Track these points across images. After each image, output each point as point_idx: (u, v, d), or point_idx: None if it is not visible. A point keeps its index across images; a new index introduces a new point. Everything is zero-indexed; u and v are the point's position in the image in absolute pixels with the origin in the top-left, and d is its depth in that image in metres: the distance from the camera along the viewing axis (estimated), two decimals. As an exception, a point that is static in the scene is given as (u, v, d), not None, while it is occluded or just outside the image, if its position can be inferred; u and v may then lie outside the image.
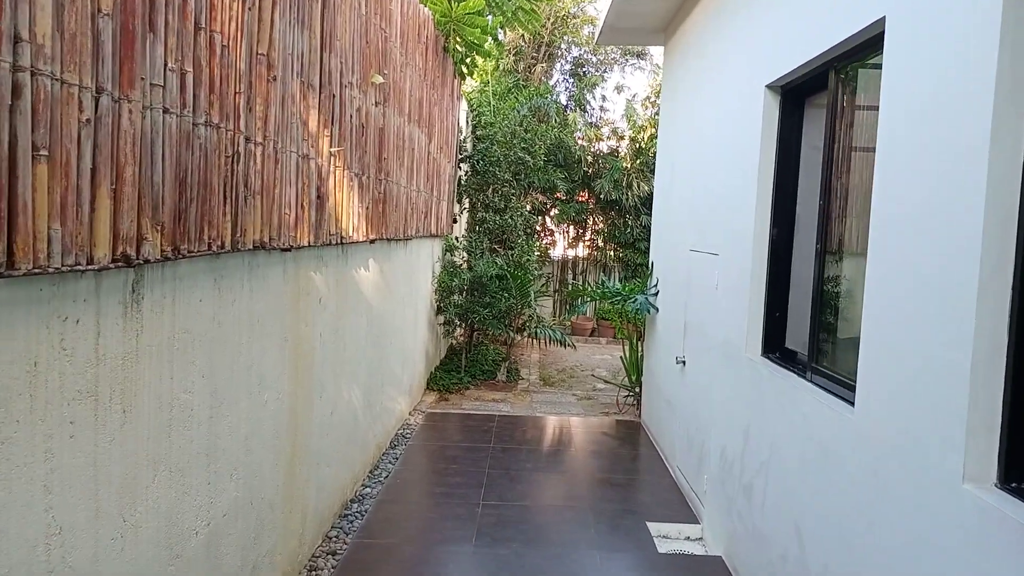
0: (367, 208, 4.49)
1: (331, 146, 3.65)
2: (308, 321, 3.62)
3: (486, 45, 6.91)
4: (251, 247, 2.71)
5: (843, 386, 2.81)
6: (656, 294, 6.48)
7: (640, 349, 7.34)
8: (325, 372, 3.96)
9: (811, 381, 3.12)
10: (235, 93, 2.47)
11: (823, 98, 3.35)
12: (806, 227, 3.63)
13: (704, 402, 4.65)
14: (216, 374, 2.60)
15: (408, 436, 6.13)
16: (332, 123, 3.67)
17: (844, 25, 2.81)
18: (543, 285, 12.26)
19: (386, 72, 4.84)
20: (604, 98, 12.41)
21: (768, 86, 3.73)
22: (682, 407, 5.26)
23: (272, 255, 3.07)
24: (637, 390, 7.35)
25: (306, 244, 3.36)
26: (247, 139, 2.60)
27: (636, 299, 6.57)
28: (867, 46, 2.78)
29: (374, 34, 4.46)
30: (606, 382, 8.26)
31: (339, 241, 3.90)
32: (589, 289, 7.40)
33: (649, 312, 6.45)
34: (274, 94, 2.82)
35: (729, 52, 4.41)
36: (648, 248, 12.80)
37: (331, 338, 4.03)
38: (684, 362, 5.21)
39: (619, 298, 6.76)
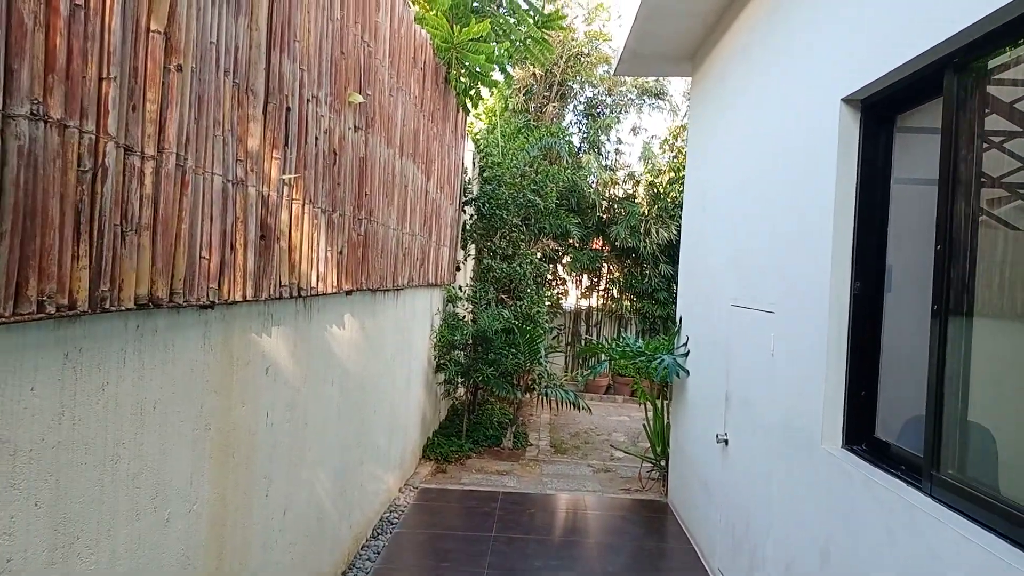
0: (340, 253, 3.67)
1: (284, 172, 2.85)
2: (247, 399, 2.76)
3: (492, 75, 6.20)
4: (134, 305, 1.87)
5: (1010, 520, 1.90)
6: (686, 354, 5.59)
7: (665, 415, 6.41)
8: (274, 462, 3.08)
9: (937, 499, 2.20)
10: (100, 78, 1.66)
11: (931, 109, 2.52)
12: (904, 280, 2.77)
13: (757, 496, 3.72)
14: (67, 498, 1.73)
15: (395, 521, 5.19)
16: (287, 144, 2.88)
17: (978, 2, 2.00)
18: (554, 338, 11.38)
19: (369, 94, 4.08)
20: (620, 140, 11.75)
21: (846, 100, 2.91)
22: (724, 495, 4.31)
23: (183, 315, 2.23)
24: (663, 463, 6.39)
25: (241, 299, 2.53)
26: (125, 149, 1.78)
27: (662, 359, 5.67)
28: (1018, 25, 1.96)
29: (353, 45, 3.72)
30: (626, 452, 7.29)
31: (297, 293, 3.07)
32: (606, 346, 6.51)
33: (678, 375, 5.54)
34: (181, 91, 2.02)
35: (786, 63, 3.62)
36: (668, 299, 12.00)
37: (284, 417, 3.17)
38: (726, 441, 4.28)
39: (642, 358, 5.86)
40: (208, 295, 2.27)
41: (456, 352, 7.28)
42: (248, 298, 2.59)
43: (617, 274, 12.09)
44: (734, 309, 4.34)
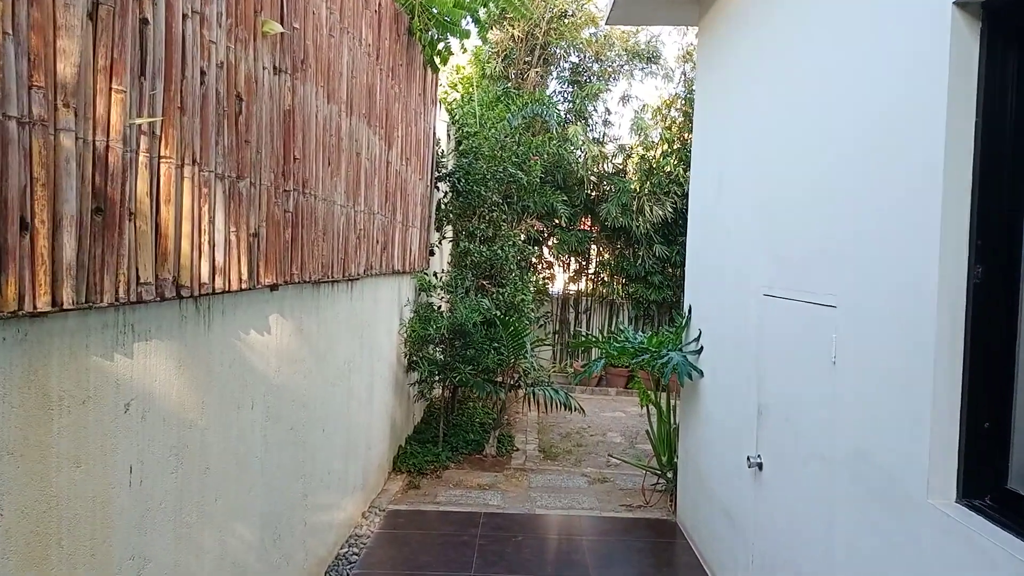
0: (254, 235, 2.74)
1: (139, 114, 1.91)
2: (87, 454, 1.84)
3: (463, 24, 5.24)
4: None
5: None
6: (698, 351, 4.72)
7: (672, 418, 5.56)
8: (150, 533, 2.17)
9: None
10: None
11: None
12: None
13: (809, 545, 2.86)
14: None
15: (354, 559, 4.30)
16: (143, 73, 1.94)
17: None
18: (541, 326, 10.49)
19: (296, 27, 3.13)
20: (608, 111, 10.79)
21: (959, 2, 2.01)
22: (758, 532, 3.46)
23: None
24: (669, 474, 5.54)
25: (51, 307, 1.60)
26: None
27: (670, 358, 4.79)
28: None
29: (267, -45, 2.76)
30: (625, 461, 6.43)
31: (176, 293, 2.15)
32: (601, 340, 5.62)
33: (690, 377, 4.67)
34: None
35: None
36: (663, 283, 11.03)
37: (166, 467, 2.25)
38: (760, 465, 3.42)
39: (645, 356, 4.98)
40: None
41: (430, 348, 6.37)
42: (70, 304, 1.66)
43: (607, 256, 11.20)
44: (768, 300, 3.46)
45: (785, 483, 3.15)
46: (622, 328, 5.61)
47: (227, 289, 2.51)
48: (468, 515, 5.15)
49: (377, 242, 4.91)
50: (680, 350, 4.91)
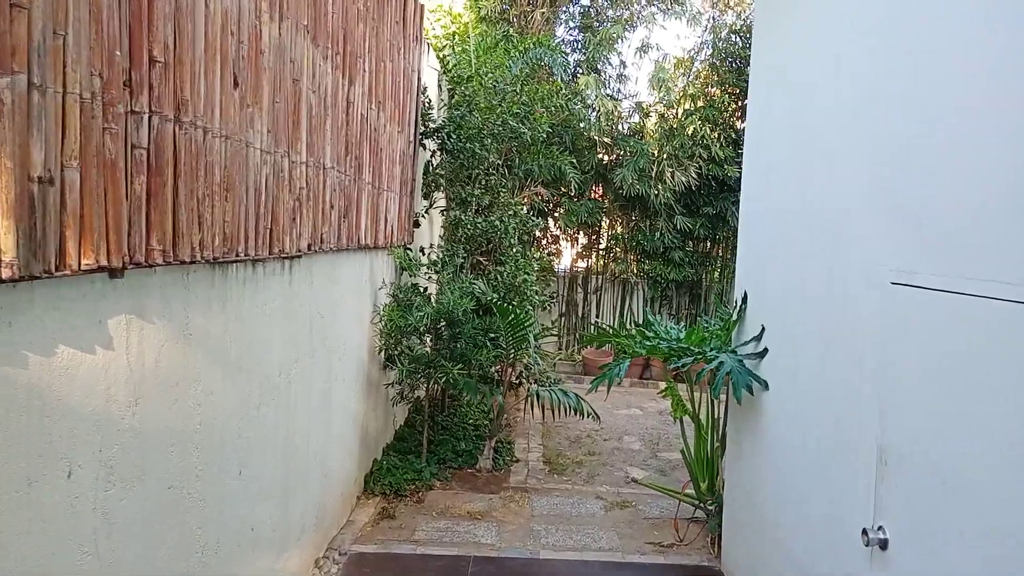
0: (46, 184, 1.53)
1: None
2: None
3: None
4: None
5: None
6: (759, 354, 3.52)
7: (712, 435, 4.37)
8: None
9: None
10: None
11: None
12: None
13: None
14: None
15: (293, 638, 3.15)
16: None
17: None
18: (545, 309, 9.27)
19: None
20: (624, 64, 9.45)
21: None
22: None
23: None
24: (709, 505, 4.38)
25: None
26: None
27: (720, 360, 3.59)
28: None
29: None
30: (651, 487, 5.24)
31: None
32: (624, 334, 4.42)
33: (750, 390, 3.48)
34: None
35: None
36: (684, 260, 9.63)
37: None
38: (884, 542, 2.24)
39: (688, 359, 3.78)
40: None
41: (412, 340, 5.18)
42: None
43: (620, 229, 9.96)
44: (901, 291, 2.25)
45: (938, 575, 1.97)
46: (651, 319, 4.40)
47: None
48: (453, 561, 4.00)
49: (332, 207, 3.69)
50: (734, 352, 3.70)
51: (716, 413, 4.37)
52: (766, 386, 3.42)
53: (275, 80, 2.85)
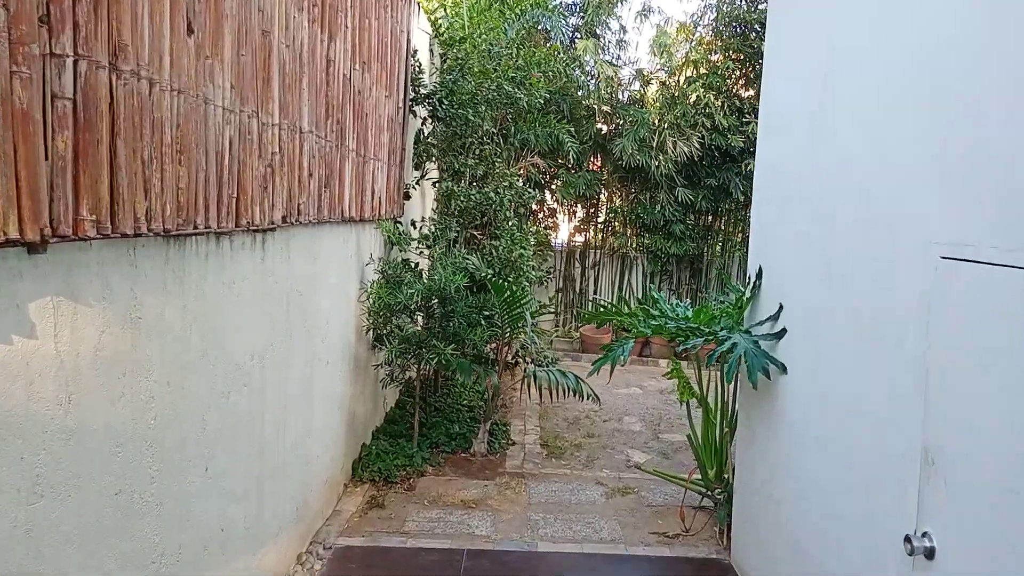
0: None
1: None
2: None
3: None
4: None
5: None
6: (776, 335, 3.24)
7: (720, 419, 4.11)
8: None
9: None
10: None
11: None
12: None
13: None
14: None
15: (272, 644, 2.91)
16: None
17: None
18: (542, 284, 8.99)
19: None
20: (624, 29, 9.06)
21: None
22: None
23: None
24: (718, 493, 4.14)
25: None
26: None
27: (733, 342, 3.31)
28: None
29: None
30: (655, 473, 4.98)
31: None
32: (627, 312, 4.13)
33: (766, 374, 3.20)
34: None
35: None
36: (686, 234, 9.28)
37: None
38: (931, 551, 1.97)
39: (698, 340, 3.50)
40: None
41: (402, 319, 4.89)
42: None
43: (619, 202, 9.64)
44: (955, 267, 1.96)
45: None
46: (655, 296, 4.12)
47: None
48: (445, 555, 3.75)
49: (310, 175, 3.37)
50: (747, 332, 3.42)
51: (724, 395, 4.10)
52: (784, 369, 3.15)
53: (239, 29, 2.51)
